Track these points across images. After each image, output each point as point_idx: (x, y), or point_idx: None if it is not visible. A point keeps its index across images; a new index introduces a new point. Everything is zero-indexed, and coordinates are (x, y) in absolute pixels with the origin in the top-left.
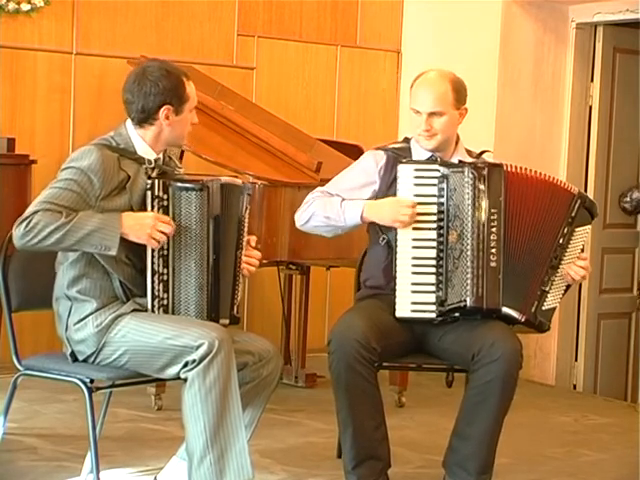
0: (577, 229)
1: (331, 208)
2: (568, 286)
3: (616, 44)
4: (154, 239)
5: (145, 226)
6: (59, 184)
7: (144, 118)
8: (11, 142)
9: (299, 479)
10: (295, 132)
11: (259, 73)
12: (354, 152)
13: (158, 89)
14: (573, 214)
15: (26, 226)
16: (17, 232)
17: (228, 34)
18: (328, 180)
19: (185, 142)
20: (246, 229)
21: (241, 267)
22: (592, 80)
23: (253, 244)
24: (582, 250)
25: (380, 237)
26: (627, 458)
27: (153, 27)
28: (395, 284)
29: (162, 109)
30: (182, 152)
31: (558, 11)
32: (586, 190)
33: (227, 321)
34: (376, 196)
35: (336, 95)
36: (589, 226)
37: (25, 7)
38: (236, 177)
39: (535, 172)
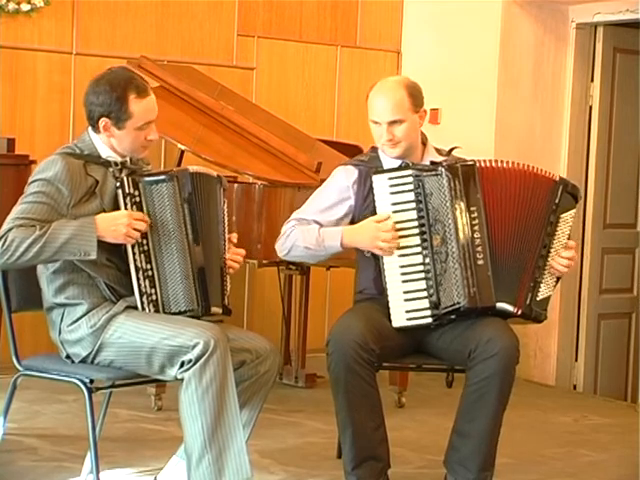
0: (562, 215)
1: (310, 238)
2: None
3: (616, 44)
4: (130, 237)
5: (120, 226)
6: (28, 198)
7: (92, 125)
8: (11, 142)
9: (299, 479)
10: (295, 132)
11: (259, 73)
12: (354, 152)
13: (98, 101)
14: (557, 201)
15: (2, 245)
16: None
17: (228, 34)
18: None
19: (142, 155)
20: (226, 224)
21: (226, 260)
22: (592, 80)
23: (235, 241)
24: (569, 237)
25: (365, 250)
26: (627, 458)
27: (153, 27)
28: (387, 296)
29: (100, 120)
30: (182, 152)
31: (558, 11)
32: (586, 190)
33: (219, 310)
34: (353, 212)
35: (336, 95)
36: (574, 210)
37: (25, 7)
38: (236, 177)
39: (511, 163)
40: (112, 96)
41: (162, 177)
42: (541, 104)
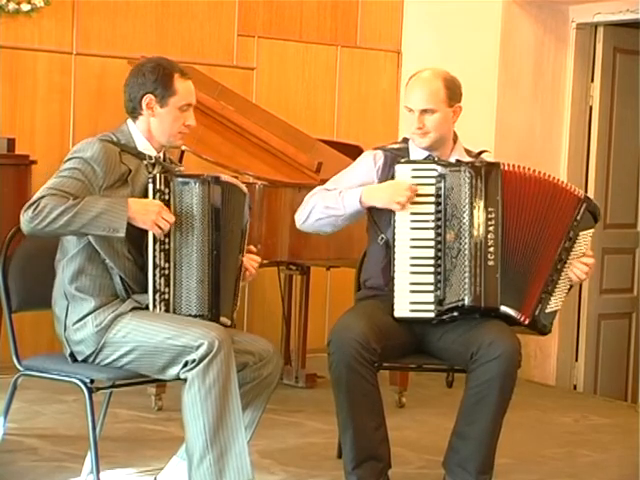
0: (581, 233)
1: (330, 198)
2: (570, 287)
3: (616, 44)
4: (158, 226)
5: (151, 212)
6: (64, 173)
7: (132, 108)
8: (11, 142)
9: (299, 479)
10: (295, 132)
11: (259, 73)
12: (354, 152)
13: (144, 79)
14: (578, 217)
15: (34, 210)
16: (25, 217)
17: (228, 34)
18: (328, 180)
19: (180, 143)
20: (246, 238)
21: (242, 272)
22: (592, 80)
23: (254, 250)
24: (583, 254)
25: (379, 237)
26: (627, 458)
27: (153, 27)
28: (393, 285)
29: (144, 98)
30: (182, 152)
31: (558, 11)
32: (586, 190)
33: (229, 321)
34: None
35: (336, 95)
36: (592, 230)
37: (25, 7)
38: (236, 177)
39: (535, 171)
40: (159, 72)
41: (194, 180)
42: (541, 104)
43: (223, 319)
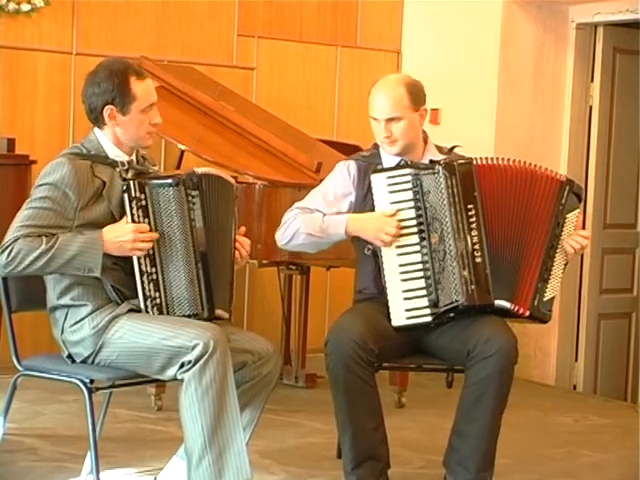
0: (568, 215)
1: (313, 225)
2: (565, 265)
3: (616, 44)
4: (137, 250)
5: (126, 242)
6: (34, 204)
7: (95, 118)
8: (11, 142)
9: (299, 479)
10: (295, 132)
11: (259, 73)
12: (354, 152)
13: (100, 89)
14: (564, 201)
15: (7, 256)
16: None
17: (228, 34)
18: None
19: (149, 142)
20: (236, 229)
21: (235, 247)
22: (592, 80)
23: (244, 230)
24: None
25: (365, 248)
26: (627, 459)
27: (153, 27)
28: (386, 295)
29: (105, 109)
30: (182, 152)
31: (558, 11)
32: (586, 190)
33: (226, 314)
34: (354, 207)
35: (336, 95)
36: (578, 210)
37: (25, 7)
38: (236, 177)
39: (510, 160)
40: (114, 81)
41: (169, 181)
42: (541, 104)
43: (219, 312)
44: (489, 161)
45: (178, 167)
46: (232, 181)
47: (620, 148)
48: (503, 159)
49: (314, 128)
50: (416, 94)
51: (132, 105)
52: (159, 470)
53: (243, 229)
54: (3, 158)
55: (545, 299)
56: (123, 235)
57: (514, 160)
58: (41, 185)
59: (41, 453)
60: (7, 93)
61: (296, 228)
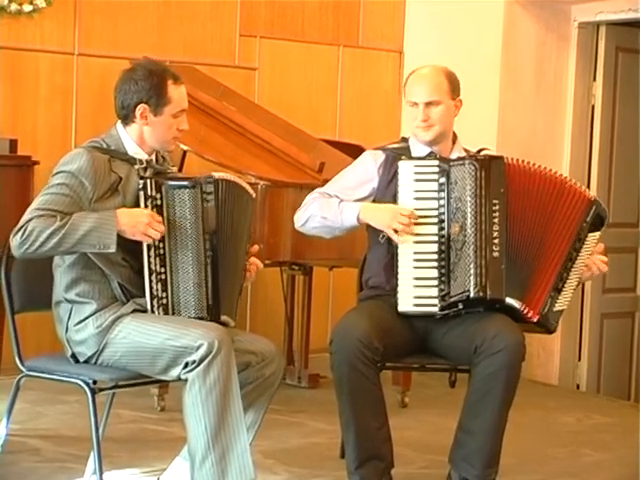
0: (590, 235)
1: (329, 209)
2: (577, 284)
3: (618, 43)
4: (148, 235)
5: (139, 224)
6: (51, 190)
7: (125, 115)
8: (13, 143)
9: (302, 479)
10: (297, 132)
11: (261, 73)
12: (356, 152)
13: (137, 87)
14: (588, 219)
15: (22, 235)
16: (14, 242)
17: (230, 34)
18: (330, 180)
19: (173, 147)
20: (251, 236)
21: (246, 263)
22: (594, 79)
23: (256, 249)
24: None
25: (380, 235)
26: (630, 458)
27: (155, 28)
28: (397, 280)
29: (138, 107)
30: (184, 153)
31: (560, 11)
32: (589, 189)
33: (232, 321)
34: (375, 194)
35: (338, 95)
36: (599, 233)
37: (27, 8)
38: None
39: (540, 167)
40: (152, 81)
41: (185, 183)
42: (543, 104)
43: (225, 317)
44: (520, 162)
45: (180, 168)
46: (250, 190)
47: (622, 147)
48: (534, 164)
49: (316, 128)
50: (454, 83)
51: (166, 107)
52: (162, 471)
53: (256, 247)
54: (5, 159)
55: (555, 309)
56: (139, 216)
57: (544, 167)
58: (59, 173)
59: (44, 454)
60: (9, 94)
61: (312, 211)
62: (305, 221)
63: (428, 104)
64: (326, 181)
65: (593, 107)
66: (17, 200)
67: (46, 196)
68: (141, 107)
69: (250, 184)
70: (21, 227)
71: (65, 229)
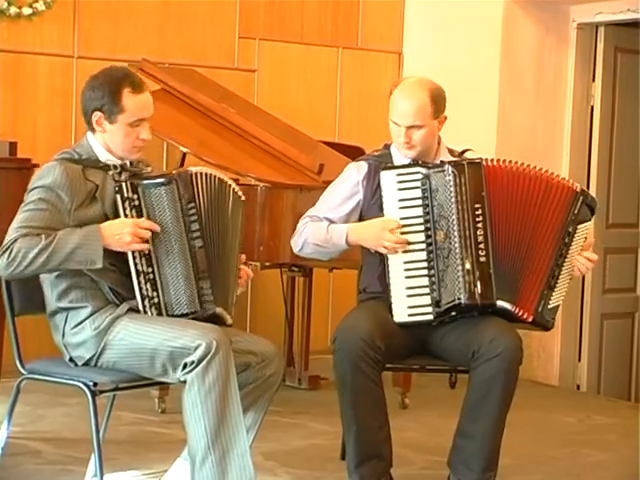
0: (579, 226)
1: (319, 235)
2: (570, 278)
3: (617, 44)
4: (136, 245)
5: (124, 235)
6: (29, 206)
7: (87, 122)
8: (13, 146)
9: None
10: (297, 134)
11: (260, 75)
12: (356, 154)
13: (93, 94)
14: (576, 211)
15: (8, 256)
16: (0, 264)
17: (229, 37)
18: (330, 182)
19: (137, 156)
20: (240, 226)
21: (239, 267)
22: (594, 80)
23: (243, 259)
24: (582, 247)
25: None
26: (631, 459)
27: (154, 30)
28: (389, 292)
29: (94, 114)
30: (184, 155)
31: (559, 11)
32: (588, 190)
33: (228, 317)
34: (362, 206)
35: (337, 97)
36: (590, 222)
37: (27, 11)
38: (238, 180)
39: (523, 165)
40: (106, 89)
41: (161, 180)
42: (543, 104)
43: (219, 310)
44: (499, 162)
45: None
46: (227, 179)
47: (622, 148)
48: (516, 162)
49: (316, 130)
50: (438, 102)
51: (119, 116)
52: (163, 472)
53: (243, 257)
54: (5, 162)
55: (550, 307)
56: (122, 227)
57: (527, 165)
58: (35, 188)
59: (45, 456)
60: (9, 97)
61: (305, 237)
62: (301, 247)
63: (410, 127)
64: (325, 182)
65: (592, 108)
66: (17, 203)
67: (26, 213)
68: (96, 114)
69: (250, 186)
70: (7, 249)
71: (51, 248)
